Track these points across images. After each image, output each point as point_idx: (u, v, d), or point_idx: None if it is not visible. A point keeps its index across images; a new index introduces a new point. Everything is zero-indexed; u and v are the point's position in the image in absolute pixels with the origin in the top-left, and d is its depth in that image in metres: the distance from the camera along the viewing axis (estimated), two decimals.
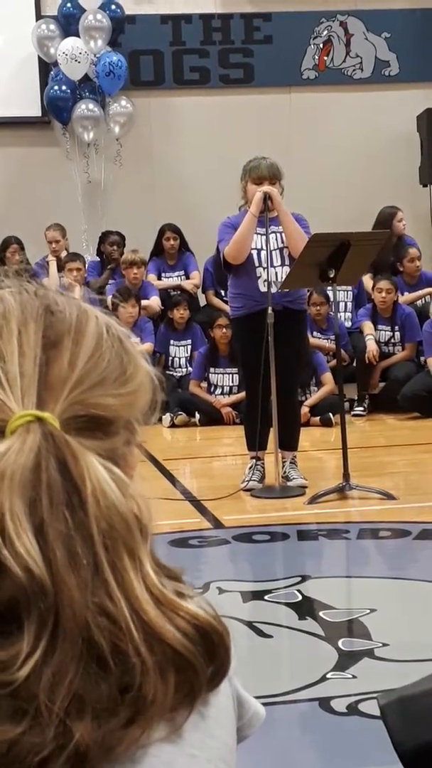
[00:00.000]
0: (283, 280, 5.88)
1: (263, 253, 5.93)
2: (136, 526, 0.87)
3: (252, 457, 6.16)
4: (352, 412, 8.68)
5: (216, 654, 0.89)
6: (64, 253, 9.68)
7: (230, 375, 8.67)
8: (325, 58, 10.75)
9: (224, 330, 8.49)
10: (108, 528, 0.85)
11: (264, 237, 5.91)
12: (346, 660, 3.53)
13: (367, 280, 9.30)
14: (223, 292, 9.00)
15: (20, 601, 0.82)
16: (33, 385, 0.89)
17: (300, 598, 4.19)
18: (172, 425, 8.61)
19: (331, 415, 8.25)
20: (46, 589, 0.82)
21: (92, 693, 0.82)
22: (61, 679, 0.81)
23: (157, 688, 0.85)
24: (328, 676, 3.40)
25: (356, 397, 8.86)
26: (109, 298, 9.30)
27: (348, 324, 9.27)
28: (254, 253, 5.95)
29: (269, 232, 5.90)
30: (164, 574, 0.90)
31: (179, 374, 9.22)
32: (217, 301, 9.60)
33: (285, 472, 6.09)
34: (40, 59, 10.19)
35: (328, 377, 8.54)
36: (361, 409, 8.76)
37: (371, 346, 8.84)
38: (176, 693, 0.86)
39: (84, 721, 0.81)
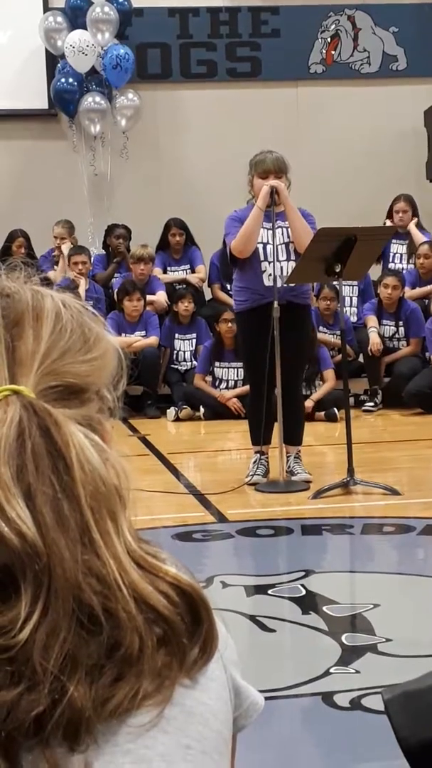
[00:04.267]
0: (288, 274, 5.87)
1: (269, 248, 5.93)
2: (115, 492, 0.90)
3: (256, 452, 6.16)
4: (363, 408, 8.68)
5: (199, 617, 0.91)
6: (68, 245, 9.66)
7: (235, 369, 8.66)
8: (333, 52, 10.72)
9: (230, 324, 8.49)
10: (93, 491, 0.88)
11: (270, 231, 5.90)
12: (349, 655, 3.53)
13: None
14: (228, 286, 8.99)
15: (16, 566, 0.84)
16: (3, 364, 0.92)
17: (303, 592, 4.19)
18: (177, 419, 8.61)
19: (335, 410, 8.25)
20: (39, 551, 0.84)
21: (83, 651, 0.84)
22: (54, 639, 0.83)
23: (144, 645, 0.87)
24: (332, 670, 3.40)
25: (367, 392, 8.85)
26: (114, 292, 9.33)
27: (354, 319, 9.26)
28: (260, 247, 5.94)
29: (275, 226, 5.89)
30: (141, 542, 0.93)
31: (184, 368, 9.21)
32: (222, 295, 9.59)
33: (289, 466, 6.08)
34: (47, 52, 10.17)
35: (330, 374, 8.53)
36: (372, 404, 8.75)
37: (374, 339, 8.82)
38: (161, 653, 0.88)
39: (77, 677, 0.83)
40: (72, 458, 0.88)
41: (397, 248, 9.70)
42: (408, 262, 9.65)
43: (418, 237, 9.59)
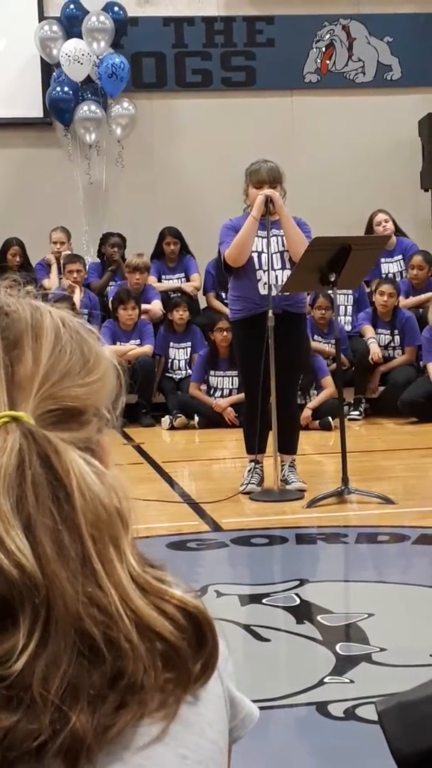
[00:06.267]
0: (282, 283, 5.88)
1: (264, 256, 5.94)
2: (117, 517, 0.89)
3: (251, 460, 6.16)
4: (348, 416, 8.68)
5: (205, 638, 0.91)
6: (66, 251, 9.69)
7: (230, 378, 8.67)
8: (328, 61, 10.75)
9: (224, 333, 8.49)
10: (94, 519, 0.87)
11: (265, 240, 5.91)
12: (343, 664, 3.52)
13: None
14: (224, 295, 9.00)
15: (14, 597, 0.83)
16: (2, 387, 0.91)
17: (298, 602, 4.18)
18: (172, 428, 8.61)
19: (330, 419, 8.25)
20: (38, 583, 0.83)
21: (86, 681, 0.84)
22: (55, 669, 0.83)
23: (148, 674, 0.86)
24: (326, 680, 3.39)
25: (353, 401, 8.87)
26: (109, 301, 9.34)
27: (348, 328, 9.27)
28: (255, 255, 5.95)
29: (270, 235, 5.90)
30: (146, 564, 0.92)
31: (179, 376, 9.21)
32: (217, 304, 9.60)
33: (284, 475, 6.08)
34: (42, 60, 10.19)
35: (328, 381, 8.53)
36: (357, 413, 8.76)
37: (374, 349, 8.84)
38: (166, 679, 0.88)
39: (79, 707, 0.83)
40: (73, 486, 0.87)
41: (388, 267, 9.72)
42: (402, 277, 9.67)
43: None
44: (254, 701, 1.04)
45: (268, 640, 3.82)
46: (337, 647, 3.68)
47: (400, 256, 9.76)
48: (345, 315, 9.36)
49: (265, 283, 5.90)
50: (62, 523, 0.86)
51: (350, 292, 9.18)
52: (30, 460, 0.87)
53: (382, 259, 9.61)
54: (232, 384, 8.65)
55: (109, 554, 0.87)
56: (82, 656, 0.84)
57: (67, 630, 0.84)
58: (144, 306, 9.24)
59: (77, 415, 0.93)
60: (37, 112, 10.30)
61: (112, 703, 0.85)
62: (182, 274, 9.95)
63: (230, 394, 8.68)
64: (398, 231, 9.83)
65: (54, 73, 10.11)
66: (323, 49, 10.73)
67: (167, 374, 9.23)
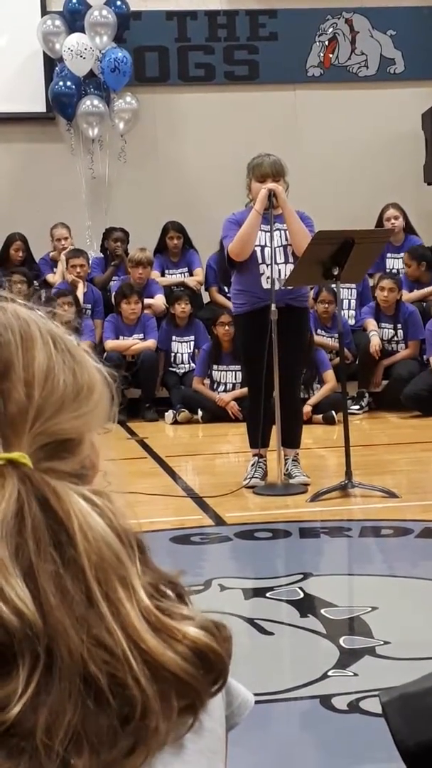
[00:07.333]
0: (285, 277, 5.88)
1: (267, 250, 5.93)
2: (123, 551, 0.86)
3: (254, 455, 6.16)
4: (347, 410, 8.65)
5: (214, 670, 0.89)
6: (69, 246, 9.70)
7: (233, 372, 8.67)
8: (331, 55, 10.73)
9: (227, 327, 8.49)
10: (98, 560, 0.85)
11: (268, 234, 5.91)
12: (347, 658, 3.53)
13: None
14: (226, 289, 9.00)
15: (13, 645, 0.81)
16: None
17: (302, 595, 4.19)
18: (175, 422, 8.61)
19: (333, 412, 8.25)
20: (39, 631, 0.81)
21: (92, 727, 0.82)
22: (59, 717, 0.81)
23: (159, 716, 0.84)
24: (330, 673, 3.40)
25: (355, 395, 8.86)
26: (112, 295, 9.34)
27: (352, 322, 9.27)
28: (258, 249, 5.95)
29: (273, 229, 5.89)
30: (161, 582, 0.90)
31: (182, 371, 9.21)
32: (220, 298, 9.59)
33: (287, 469, 6.09)
34: (45, 55, 10.18)
35: (330, 375, 8.53)
36: (357, 407, 8.75)
37: (375, 341, 8.83)
38: (177, 715, 0.86)
39: (83, 757, 0.81)
40: (75, 529, 0.85)
41: (394, 263, 9.72)
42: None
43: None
44: (258, 695, 1.05)
45: (271, 633, 3.83)
46: (341, 640, 3.68)
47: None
48: (348, 309, 9.36)
49: (268, 277, 5.90)
50: (65, 567, 0.84)
51: (354, 285, 9.16)
52: (29, 505, 0.84)
53: (389, 255, 9.61)
54: (236, 378, 8.65)
55: (117, 594, 0.85)
56: (88, 702, 0.82)
57: (72, 677, 0.82)
58: (147, 300, 9.24)
59: (70, 442, 0.90)
60: (39, 106, 10.30)
61: (121, 749, 0.83)
62: (185, 269, 9.95)
63: (233, 388, 8.68)
64: (409, 228, 9.81)
65: (57, 68, 10.10)
66: (326, 43, 10.72)
67: (170, 369, 9.23)
